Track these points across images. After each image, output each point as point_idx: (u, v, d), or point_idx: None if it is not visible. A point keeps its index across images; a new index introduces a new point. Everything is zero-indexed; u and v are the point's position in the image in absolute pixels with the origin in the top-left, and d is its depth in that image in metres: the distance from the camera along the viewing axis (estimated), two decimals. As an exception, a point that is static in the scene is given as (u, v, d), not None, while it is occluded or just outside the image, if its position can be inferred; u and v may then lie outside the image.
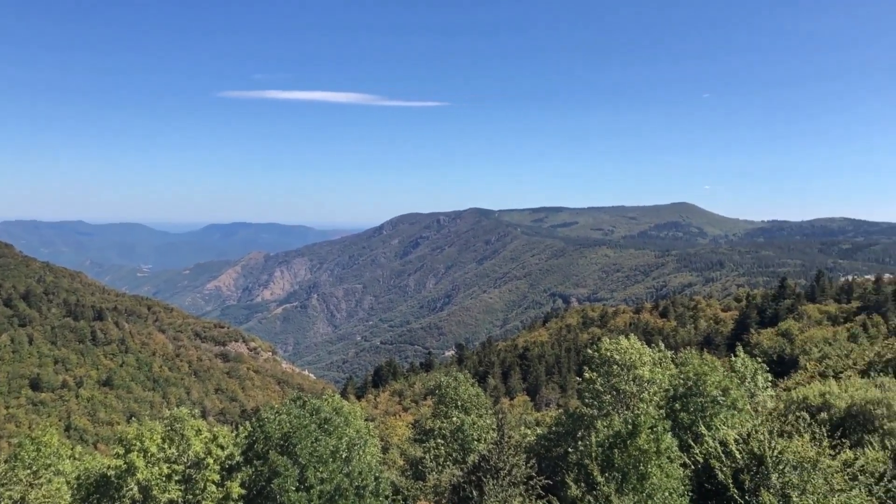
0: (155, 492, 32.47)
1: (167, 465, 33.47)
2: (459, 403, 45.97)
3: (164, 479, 32.94)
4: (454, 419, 44.54)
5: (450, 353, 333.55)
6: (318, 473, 31.51)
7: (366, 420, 47.96)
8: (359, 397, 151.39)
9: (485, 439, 42.79)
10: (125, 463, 32.33)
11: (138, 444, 33.32)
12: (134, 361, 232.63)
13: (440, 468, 40.67)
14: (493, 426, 44.24)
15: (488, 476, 33.53)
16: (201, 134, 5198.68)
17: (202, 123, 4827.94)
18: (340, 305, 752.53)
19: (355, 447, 35.47)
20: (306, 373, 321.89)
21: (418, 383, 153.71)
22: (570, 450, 37.68)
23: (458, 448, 43.42)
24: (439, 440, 43.72)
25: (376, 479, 34.69)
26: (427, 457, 42.30)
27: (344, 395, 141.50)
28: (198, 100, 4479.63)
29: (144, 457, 33.01)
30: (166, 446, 34.25)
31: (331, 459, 32.48)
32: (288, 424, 32.49)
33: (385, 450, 59.73)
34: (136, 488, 32.65)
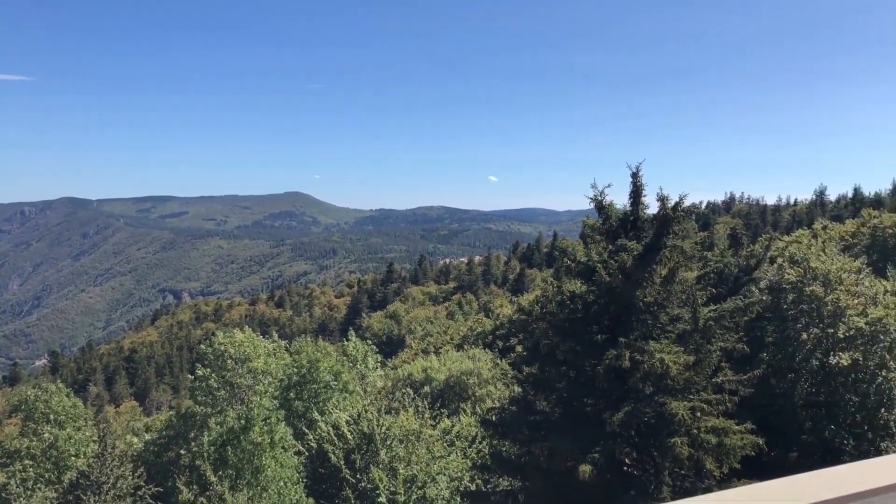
0: None
1: None
2: (52, 417, 41.04)
3: None
4: (46, 435, 39.65)
5: (41, 362, 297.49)
6: None
7: (-72, 450, 40.66)
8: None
9: (84, 454, 38.85)
10: None
11: None
12: None
13: (29, 492, 35.82)
14: (95, 438, 40.40)
15: (89, 493, 30.74)
16: None
17: None
18: None
19: None
20: None
21: (2, 400, 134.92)
22: (182, 452, 36.01)
23: (51, 467, 38.86)
24: (27, 461, 38.61)
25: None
26: (12, 482, 36.98)
27: None
28: None
29: None
30: None
31: None
32: None
33: (-43, 481, 51.07)
34: None
